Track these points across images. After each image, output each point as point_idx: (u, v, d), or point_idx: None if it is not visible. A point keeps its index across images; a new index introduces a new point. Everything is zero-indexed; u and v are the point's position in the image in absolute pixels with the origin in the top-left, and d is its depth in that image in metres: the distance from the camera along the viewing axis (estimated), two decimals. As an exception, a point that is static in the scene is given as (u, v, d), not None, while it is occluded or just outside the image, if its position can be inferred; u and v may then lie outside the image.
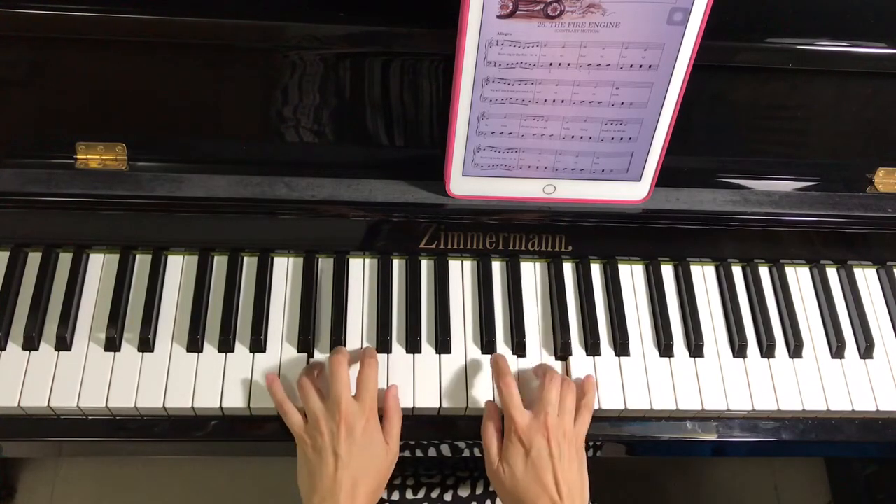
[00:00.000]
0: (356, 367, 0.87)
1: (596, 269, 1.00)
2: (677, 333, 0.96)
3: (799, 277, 1.02)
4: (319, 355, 0.92)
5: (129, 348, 0.90)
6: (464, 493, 0.99)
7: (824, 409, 0.94)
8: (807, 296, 1.01)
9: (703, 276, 1.01)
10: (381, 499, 0.97)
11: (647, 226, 0.96)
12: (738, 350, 0.95)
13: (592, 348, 0.94)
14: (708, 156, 0.98)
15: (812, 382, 0.95)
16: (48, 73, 0.86)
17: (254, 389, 0.89)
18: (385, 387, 0.89)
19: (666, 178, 0.92)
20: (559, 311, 0.96)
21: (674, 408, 0.92)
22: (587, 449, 0.94)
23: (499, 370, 0.88)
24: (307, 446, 0.82)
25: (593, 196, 0.93)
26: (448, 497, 0.98)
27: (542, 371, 0.89)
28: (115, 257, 0.95)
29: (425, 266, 0.98)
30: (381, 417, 0.86)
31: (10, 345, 0.90)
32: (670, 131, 0.87)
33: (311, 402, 0.83)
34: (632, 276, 1.00)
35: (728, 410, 0.93)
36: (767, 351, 0.96)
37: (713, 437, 0.94)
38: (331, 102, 0.90)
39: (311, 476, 0.81)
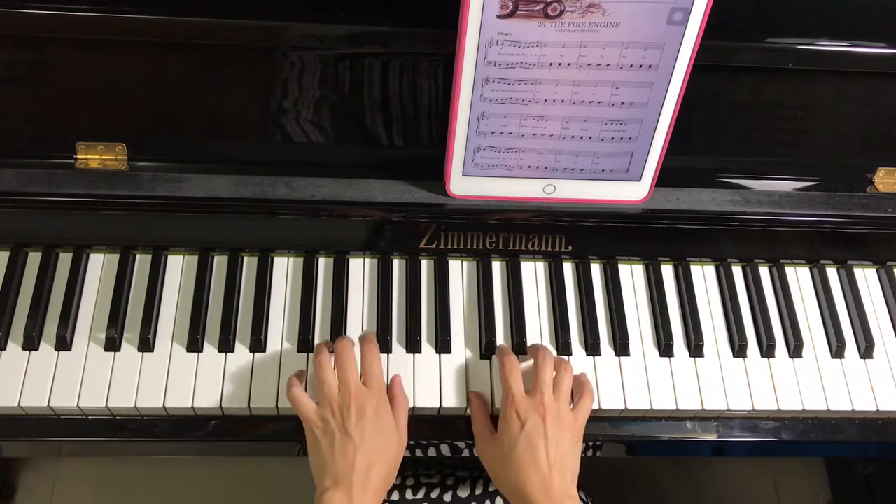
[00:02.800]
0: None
1: (596, 269, 1.00)
2: (677, 333, 0.96)
3: (799, 277, 1.02)
4: (319, 355, 0.92)
5: (129, 348, 0.90)
6: (464, 493, 0.99)
7: (824, 409, 0.94)
8: (807, 296, 1.01)
9: (703, 276, 1.01)
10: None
11: (647, 226, 0.96)
12: (738, 350, 0.95)
13: (592, 348, 0.94)
14: (708, 156, 0.98)
15: (812, 382, 0.95)
16: (48, 73, 0.87)
17: (254, 389, 0.89)
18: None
19: (666, 178, 0.92)
20: (559, 310, 0.96)
21: (674, 408, 0.92)
22: (587, 449, 0.94)
23: (502, 349, 0.89)
24: (318, 429, 0.81)
25: (593, 196, 0.93)
26: (448, 497, 0.98)
27: (535, 350, 0.89)
28: (115, 257, 0.95)
29: (425, 266, 0.98)
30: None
31: (10, 345, 0.90)
32: (670, 131, 0.87)
33: (326, 384, 0.82)
34: (632, 275, 1.00)
35: (728, 410, 0.93)
36: (767, 351, 0.96)
37: (713, 437, 0.94)
38: (331, 102, 0.90)
39: (322, 459, 0.80)
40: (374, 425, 0.81)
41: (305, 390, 0.86)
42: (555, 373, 0.87)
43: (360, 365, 0.86)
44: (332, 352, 0.87)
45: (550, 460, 0.80)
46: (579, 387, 0.89)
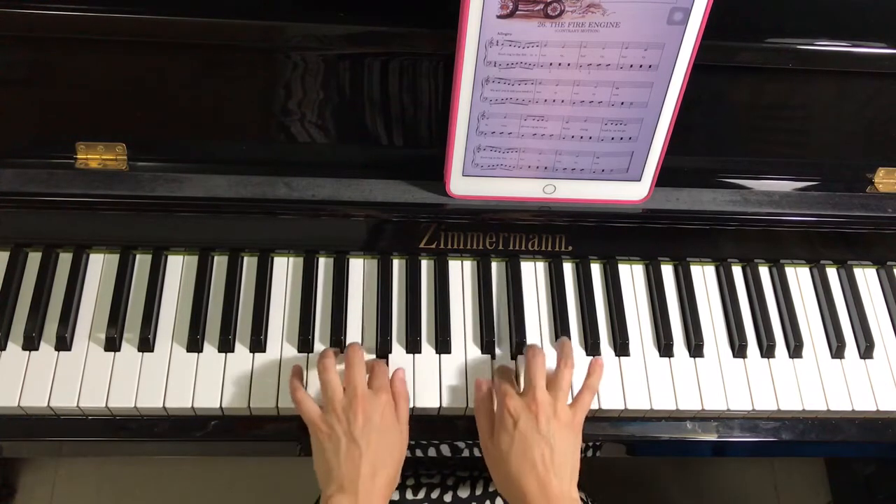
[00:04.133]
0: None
1: (596, 269, 1.00)
2: (677, 333, 0.96)
3: (799, 277, 1.02)
4: (319, 355, 0.92)
5: (129, 348, 0.90)
6: (464, 493, 0.99)
7: (824, 409, 0.94)
8: (807, 296, 1.01)
9: (703, 276, 1.01)
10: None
11: (647, 226, 0.96)
12: (738, 350, 0.95)
13: (592, 348, 0.94)
14: (708, 156, 0.98)
15: (812, 382, 0.95)
16: (48, 73, 0.86)
17: (254, 389, 0.89)
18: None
19: (666, 178, 0.92)
20: (559, 311, 0.96)
21: (674, 408, 0.92)
22: (587, 449, 0.94)
23: (499, 370, 0.88)
24: (323, 434, 0.81)
25: (593, 196, 0.93)
26: (448, 497, 0.98)
27: (527, 349, 0.89)
28: (115, 257, 0.95)
29: (425, 266, 0.98)
30: None
31: (10, 345, 0.90)
32: (670, 131, 0.87)
33: (330, 388, 0.82)
34: (632, 275, 1.00)
35: (728, 410, 0.93)
36: (767, 351, 0.96)
37: (713, 437, 0.94)
38: (331, 102, 0.90)
39: (328, 464, 0.79)
40: (380, 430, 0.81)
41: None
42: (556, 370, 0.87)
43: (369, 367, 0.86)
44: (341, 351, 0.88)
45: (547, 461, 0.79)
46: (585, 377, 0.88)
